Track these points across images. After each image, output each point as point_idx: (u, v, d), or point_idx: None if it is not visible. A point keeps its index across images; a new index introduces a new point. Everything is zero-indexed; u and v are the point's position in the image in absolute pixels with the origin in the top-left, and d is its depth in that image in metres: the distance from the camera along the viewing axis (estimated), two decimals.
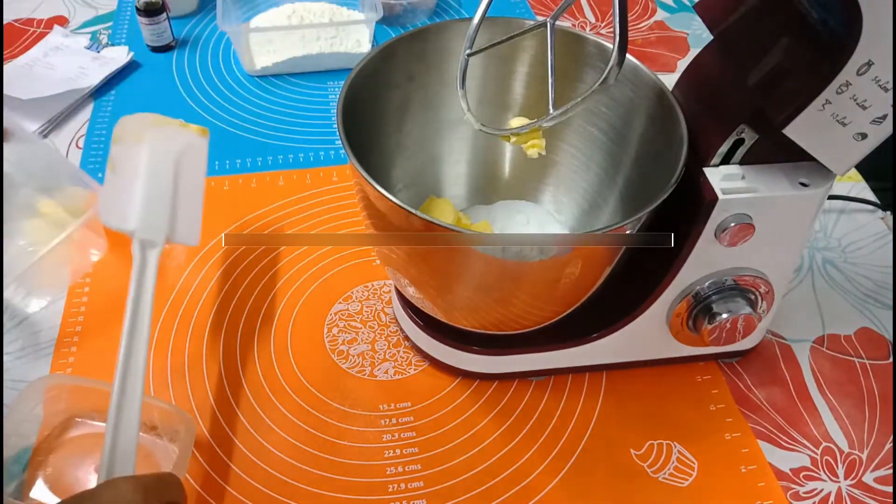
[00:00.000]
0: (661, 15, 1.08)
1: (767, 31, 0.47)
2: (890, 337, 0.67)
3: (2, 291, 0.67)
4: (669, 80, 0.55)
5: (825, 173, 0.51)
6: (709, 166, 0.51)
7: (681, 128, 0.51)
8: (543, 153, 0.53)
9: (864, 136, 0.47)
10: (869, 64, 0.43)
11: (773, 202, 0.50)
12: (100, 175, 0.79)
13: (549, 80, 0.51)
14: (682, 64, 0.98)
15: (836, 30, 0.43)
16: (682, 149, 0.50)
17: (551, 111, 0.48)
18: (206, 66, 0.95)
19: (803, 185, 0.51)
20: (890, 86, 0.44)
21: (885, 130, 0.47)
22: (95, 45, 0.95)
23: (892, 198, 0.79)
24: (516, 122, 0.54)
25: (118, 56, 0.93)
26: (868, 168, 0.80)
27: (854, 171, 0.80)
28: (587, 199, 0.63)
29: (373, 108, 0.57)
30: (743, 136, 0.50)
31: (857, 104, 0.45)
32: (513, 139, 0.53)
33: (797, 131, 0.47)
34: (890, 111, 0.45)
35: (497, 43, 0.55)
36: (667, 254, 0.54)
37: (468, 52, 0.54)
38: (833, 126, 0.47)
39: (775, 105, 0.47)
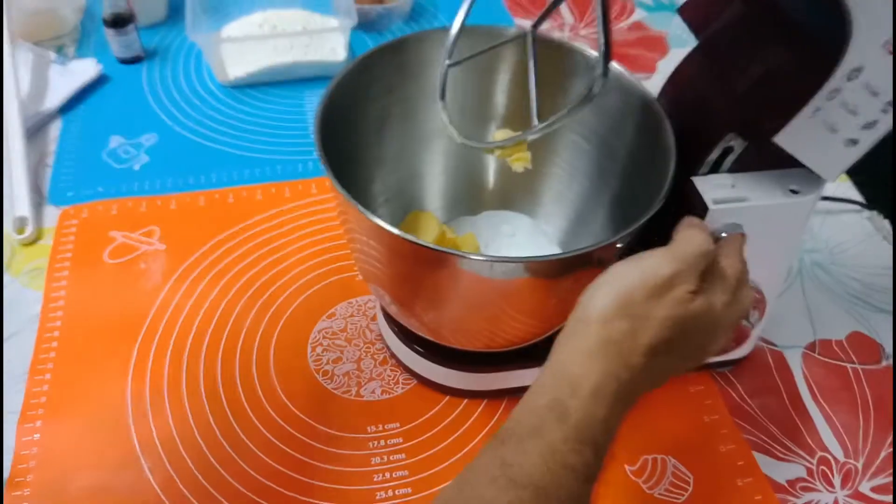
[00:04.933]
0: (639, 14, 1.07)
1: (755, 37, 0.46)
2: (881, 340, 0.66)
3: (2, 296, 0.65)
4: (649, 82, 0.54)
5: (815, 180, 0.50)
6: (698, 175, 0.50)
7: (668, 137, 0.49)
8: (529, 167, 0.52)
9: (854, 141, 0.46)
10: (859, 69, 0.43)
11: (763, 211, 0.49)
12: (70, 194, 0.77)
13: (532, 92, 0.49)
14: (663, 64, 0.98)
15: (826, 35, 0.42)
16: (670, 159, 0.49)
17: (535, 123, 0.47)
18: (177, 77, 0.92)
19: (794, 192, 0.50)
20: (879, 90, 0.44)
21: (875, 135, 0.46)
22: (62, 58, 0.92)
23: (892, 207, 0.79)
24: (500, 134, 0.53)
25: (86, 69, 0.90)
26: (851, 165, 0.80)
27: None
28: (574, 210, 0.62)
29: (351, 121, 0.56)
30: (732, 144, 0.49)
31: (848, 110, 0.45)
32: (497, 152, 0.52)
33: (787, 139, 0.46)
34: (879, 116, 0.45)
35: (478, 53, 0.54)
36: None
37: (448, 62, 0.52)
38: (823, 133, 0.46)
39: (765, 113, 0.46)
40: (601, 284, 0.40)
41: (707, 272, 0.41)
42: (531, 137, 0.47)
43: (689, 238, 0.41)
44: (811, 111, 0.45)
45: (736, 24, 0.49)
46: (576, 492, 0.36)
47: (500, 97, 0.60)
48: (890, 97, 0.44)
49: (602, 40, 0.42)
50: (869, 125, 0.45)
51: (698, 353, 0.42)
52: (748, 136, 0.48)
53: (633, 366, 0.38)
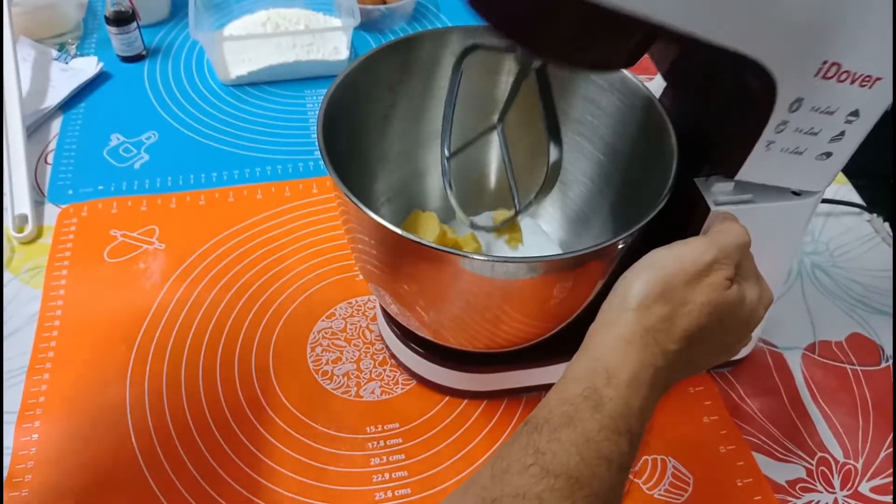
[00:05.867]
0: None
1: (695, 80, 0.47)
2: (880, 341, 0.66)
3: (2, 298, 0.65)
4: (652, 84, 0.54)
5: None
6: (700, 176, 0.50)
7: (670, 139, 0.49)
8: (522, 244, 0.58)
9: (828, 154, 0.46)
10: (799, 100, 0.42)
11: (765, 212, 0.49)
12: (70, 192, 0.77)
13: (511, 180, 0.54)
14: None
15: (753, 84, 0.42)
16: (672, 160, 0.48)
17: (518, 208, 0.54)
18: (178, 75, 0.92)
19: (795, 193, 0.50)
20: (833, 108, 0.43)
21: (850, 143, 0.45)
22: (64, 55, 0.92)
23: (892, 210, 0.79)
24: (498, 215, 0.61)
25: (87, 67, 0.90)
26: (850, 168, 0.80)
27: (839, 174, 0.80)
28: (575, 210, 0.62)
29: (353, 120, 0.56)
30: (711, 175, 0.49)
31: (805, 133, 0.44)
32: (495, 234, 0.59)
33: (751, 174, 0.46)
34: (845, 128, 0.44)
35: (471, 142, 0.56)
36: None
37: (447, 156, 0.56)
38: (789, 157, 0.45)
39: (721, 154, 0.46)
40: (640, 271, 0.40)
41: (739, 264, 0.41)
42: (518, 219, 0.52)
43: (727, 229, 0.42)
44: (763, 146, 0.44)
45: (682, 66, 0.50)
46: (609, 481, 0.35)
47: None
48: (850, 108, 0.43)
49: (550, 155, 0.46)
50: (837, 138, 0.45)
51: (731, 344, 0.42)
52: (719, 171, 0.48)
53: (669, 352, 0.38)
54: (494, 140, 0.62)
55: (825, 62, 0.40)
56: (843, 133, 0.44)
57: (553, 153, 0.47)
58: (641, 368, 0.37)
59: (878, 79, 0.41)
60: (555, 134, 0.47)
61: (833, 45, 0.39)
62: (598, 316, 0.41)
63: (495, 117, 0.61)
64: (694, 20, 0.36)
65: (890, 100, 0.43)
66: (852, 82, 0.41)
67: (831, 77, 0.41)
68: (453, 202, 0.56)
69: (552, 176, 0.49)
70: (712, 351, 0.42)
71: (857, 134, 0.44)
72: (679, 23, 0.36)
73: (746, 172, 0.46)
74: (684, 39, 0.37)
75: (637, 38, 0.40)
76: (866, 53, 0.40)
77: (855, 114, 0.43)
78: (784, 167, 0.46)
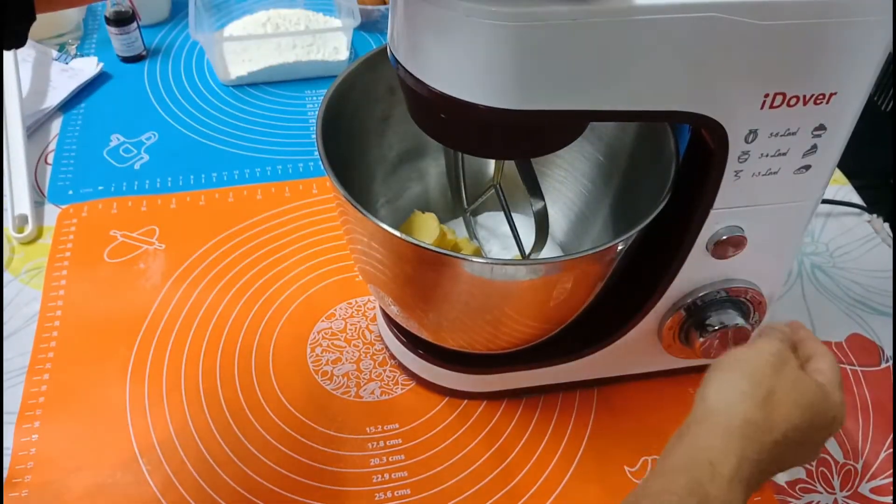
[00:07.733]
0: None
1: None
2: (880, 342, 0.66)
3: (1, 298, 0.65)
4: None
5: None
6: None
7: (670, 141, 0.49)
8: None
9: (806, 167, 0.46)
10: (754, 131, 0.42)
11: (764, 213, 0.49)
12: (70, 193, 0.77)
13: (514, 234, 0.58)
14: None
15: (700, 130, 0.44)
16: (672, 161, 0.48)
17: (528, 255, 0.57)
18: (178, 76, 0.92)
19: None
20: (794, 128, 0.42)
21: (828, 154, 0.45)
22: (64, 56, 0.92)
23: (892, 210, 0.79)
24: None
25: (87, 67, 0.90)
26: (850, 168, 0.80)
27: (839, 174, 0.80)
28: (574, 211, 0.62)
29: (353, 122, 0.56)
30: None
31: (772, 156, 0.44)
32: None
33: (731, 200, 0.46)
34: (815, 141, 0.44)
35: (485, 191, 0.59)
36: (658, 266, 0.53)
37: (468, 213, 0.61)
38: (764, 178, 0.45)
39: (695, 189, 0.47)
40: (728, 369, 0.42)
41: (817, 364, 0.44)
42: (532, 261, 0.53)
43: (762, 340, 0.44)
44: (732, 178, 0.45)
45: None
46: None
47: None
48: (813, 125, 0.43)
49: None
50: (810, 152, 0.44)
51: (818, 442, 0.43)
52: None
53: (765, 445, 0.39)
54: None
55: (767, 94, 0.40)
56: (814, 146, 0.44)
57: (535, 205, 0.51)
58: (742, 462, 0.38)
59: (832, 94, 0.41)
60: (534, 191, 0.51)
61: (771, 78, 0.39)
62: (693, 410, 0.42)
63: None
64: (631, 101, 0.39)
65: (855, 108, 0.43)
66: (805, 104, 0.41)
67: (779, 106, 0.41)
68: (483, 253, 0.61)
69: (541, 228, 0.53)
70: (803, 448, 0.42)
71: (833, 143, 0.44)
72: (615, 106, 0.39)
73: (725, 200, 0.46)
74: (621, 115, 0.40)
75: (579, 125, 0.45)
76: (809, 76, 0.40)
77: (821, 128, 0.43)
78: (763, 187, 0.46)
